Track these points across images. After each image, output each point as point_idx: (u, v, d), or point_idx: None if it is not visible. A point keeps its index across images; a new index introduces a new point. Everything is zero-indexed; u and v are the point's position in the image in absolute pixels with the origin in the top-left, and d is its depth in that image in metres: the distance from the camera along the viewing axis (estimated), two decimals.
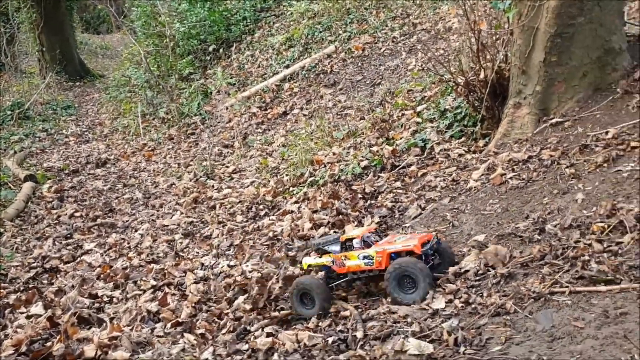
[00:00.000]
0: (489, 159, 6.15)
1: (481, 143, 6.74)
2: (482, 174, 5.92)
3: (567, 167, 5.23)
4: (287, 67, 11.66)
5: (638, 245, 3.65)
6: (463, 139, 7.00)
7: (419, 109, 8.23)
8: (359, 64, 11.02)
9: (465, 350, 3.11)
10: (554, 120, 5.99)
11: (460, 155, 6.68)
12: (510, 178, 5.55)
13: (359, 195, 6.55)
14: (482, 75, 6.67)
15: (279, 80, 11.42)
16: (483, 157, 6.30)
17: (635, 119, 5.37)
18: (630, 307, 3.06)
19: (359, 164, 7.29)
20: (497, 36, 6.76)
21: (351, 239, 4.42)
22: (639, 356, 2.59)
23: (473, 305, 3.66)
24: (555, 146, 5.67)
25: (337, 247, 4.47)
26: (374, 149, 7.61)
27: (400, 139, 7.65)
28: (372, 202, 6.40)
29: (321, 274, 4.70)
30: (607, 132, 5.39)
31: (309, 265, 4.64)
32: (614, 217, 4.06)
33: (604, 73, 5.94)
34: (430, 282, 3.93)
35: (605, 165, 5.00)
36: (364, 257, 4.26)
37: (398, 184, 6.62)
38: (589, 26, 5.74)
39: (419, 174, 6.64)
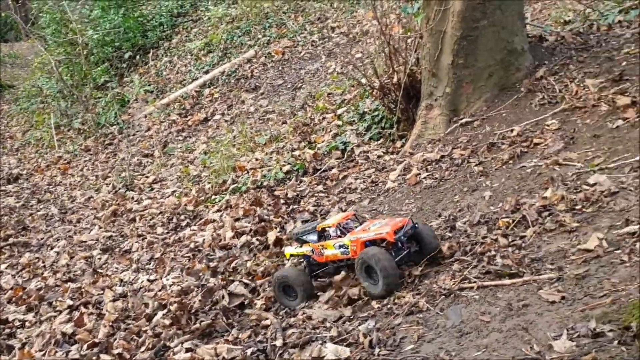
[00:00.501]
0: (405, 159, 6.31)
1: (399, 144, 6.90)
2: (399, 175, 6.07)
3: (476, 165, 5.45)
4: (207, 72, 11.50)
5: (539, 239, 3.86)
6: (381, 140, 7.15)
7: (339, 112, 8.33)
8: (280, 68, 11.02)
9: (380, 351, 3.18)
10: (463, 120, 6.23)
11: (379, 156, 6.81)
12: (425, 178, 5.73)
13: (282, 201, 6.55)
14: (395, 79, 6.84)
15: (199, 86, 11.24)
16: (400, 158, 6.46)
17: (538, 117, 5.67)
18: (531, 298, 3.23)
19: (281, 169, 7.29)
20: (409, 40, 6.95)
21: (328, 228, 4.31)
22: (537, 346, 2.73)
23: (389, 306, 3.73)
24: (466, 145, 5.90)
25: (314, 237, 4.40)
26: (296, 153, 7.63)
27: (322, 142, 7.72)
28: (295, 207, 6.41)
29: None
30: (512, 130, 5.66)
31: (291, 255, 4.60)
32: (517, 212, 4.27)
33: (509, 73, 6.23)
34: (391, 273, 3.75)
35: (511, 162, 5.25)
36: (340, 247, 4.15)
37: (320, 187, 6.67)
38: (492, 29, 6.01)
39: (340, 176, 6.72)
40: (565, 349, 2.59)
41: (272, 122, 9.30)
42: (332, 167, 6.96)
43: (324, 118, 8.49)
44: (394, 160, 6.54)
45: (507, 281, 3.41)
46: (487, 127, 6.00)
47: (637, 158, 4.32)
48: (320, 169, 7.03)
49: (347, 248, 4.10)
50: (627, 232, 3.42)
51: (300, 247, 4.50)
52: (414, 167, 6.01)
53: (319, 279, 4.58)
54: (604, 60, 6.00)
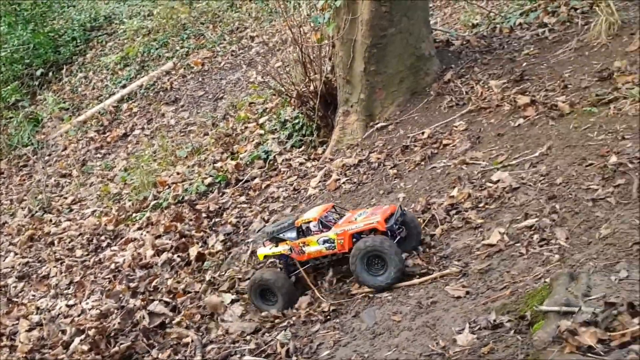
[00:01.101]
0: (325, 165, 6.40)
1: (320, 150, 6.99)
2: (320, 181, 6.15)
3: (391, 168, 5.60)
4: (124, 86, 11.22)
5: (447, 236, 4.02)
6: (303, 147, 7.21)
7: (261, 121, 8.34)
8: (200, 79, 10.90)
9: (297, 359, 3.21)
10: (379, 125, 6.39)
11: (301, 164, 6.87)
12: (344, 182, 5.83)
13: (204, 215, 6.48)
14: (312, 87, 6.93)
15: (117, 101, 10.94)
16: (320, 164, 6.55)
17: (447, 118, 5.90)
18: (439, 295, 3.36)
19: (203, 182, 7.21)
20: (323, 49, 7.06)
21: (308, 223, 4.06)
22: (443, 341, 2.84)
23: (307, 312, 3.77)
24: (381, 149, 6.06)
25: (293, 234, 4.11)
26: (219, 164, 7.57)
27: (245, 152, 7.69)
28: (217, 220, 6.36)
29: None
30: (423, 133, 5.86)
31: (265, 257, 4.31)
32: (428, 212, 4.43)
33: (418, 78, 6.45)
34: (400, 260, 3.63)
35: (423, 163, 5.44)
36: (325, 241, 3.91)
37: (243, 198, 6.65)
38: (400, 36, 6.20)
39: (263, 186, 6.72)
40: (467, 342, 2.71)
41: (193, 135, 9.18)
42: (255, 177, 6.96)
43: (246, 128, 8.47)
44: (315, 166, 6.62)
45: (416, 280, 3.52)
46: (401, 131, 6.19)
47: (537, 154, 4.57)
48: (243, 179, 7.00)
49: (334, 242, 3.88)
50: (525, 225, 3.62)
51: (276, 246, 4.19)
52: (333, 172, 6.10)
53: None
54: (507, 62, 6.32)
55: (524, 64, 6.12)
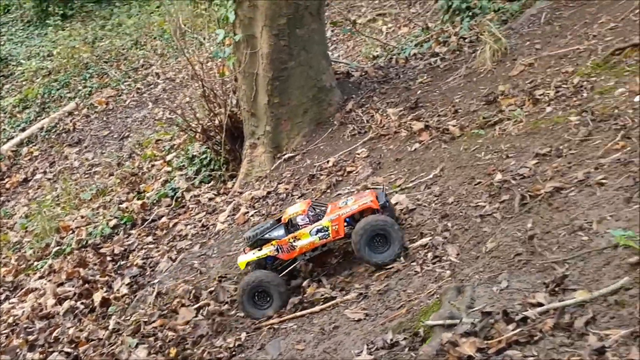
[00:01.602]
0: (234, 199, 6.36)
1: (230, 184, 6.95)
2: (229, 215, 6.09)
3: (298, 197, 5.66)
4: (24, 130, 10.71)
5: (349, 259, 4.09)
6: (212, 182, 7.14)
7: (168, 157, 8.21)
8: (105, 119, 10.61)
9: None
10: (286, 156, 6.46)
11: (210, 199, 6.79)
12: (252, 215, 5.81)
13: (109, 258, 6.23)
14: (217, 121, 6.92)
15: (16, 145, 10.41)
16: (229, 199, 6.50)
17: (351, 146, 6.06)
18: (341, 320, 3.40)
19: (108, 224, 6.96)
20: (228, 83, 7.10)
21: (295, 217, 3.99)
22: None
23: (215, 344, 3.70)
24: (289, 179, 6.11)
25: (280, 232, 4.02)
26: (124, 205, 7.35)
27: (152, 191, 7.52)
28: (123, 262, 6.14)
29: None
30: (328, 162, 5.97)
31: (247, 264, 4.12)
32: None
33: (322, 109, 6.61)
34: (403, 236, 3.75)
35: (328, 191, 5.53)
36: (318, 231, 3.86)
37: (149, 238, 6.47)
38: (300, 69, 6.35)
39: (171, 224, 6.57)
40: None
41: (98, 176, 8.87)
42: (162, 216, 6.80)
43: (153, 166, 8.30)
44: (224, 201, 6.57)
45: (317, 308, 3.55)
46: (308, 160, 6.28)
47: (431, 176, 4.77)
48: (149, 219, 6.82)
49: (328, 230, 3.85)
50: (420, 244, 3.76)
51: (260, 250, 4.05)
52: (242, 206, 6.08)
53: None
54: (403, 90, 6.61)
55: (419, 91, 6.43)
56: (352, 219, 3.88)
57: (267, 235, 4.04)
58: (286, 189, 5.97)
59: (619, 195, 3.16)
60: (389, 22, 10.48)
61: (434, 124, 5.54)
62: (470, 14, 7.75)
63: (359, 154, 5.84)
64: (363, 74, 7.20)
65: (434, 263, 3.51)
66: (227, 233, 5.81)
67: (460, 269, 3.30)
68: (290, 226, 4.00)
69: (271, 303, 3.88)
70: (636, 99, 4.20)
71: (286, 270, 4.04)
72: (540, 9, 6.83)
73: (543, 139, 4.36)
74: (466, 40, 7.13)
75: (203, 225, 6.24)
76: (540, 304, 2.36)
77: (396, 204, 4.55)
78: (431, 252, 3.63)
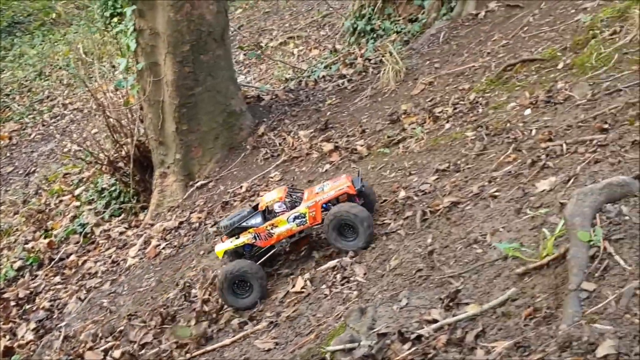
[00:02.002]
0: (145, 232, 6.16)
1: (142, 216, 6.72)
2: (139, 249, 5.89)
3: (211, 226, 5.54)
4: None
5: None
6: (123, 215, 6.90)
7: (77, 192, 7.85)
8: (8, 154, 10.04)
9: None
10: (199, 183, 6.34)
11: (120, 233, 6.54)
12: (164, 248, 5.64)
13: (12, 303, 5.85)
14: (124, 152, 6.71)
15: None
16: (140, 232, 6.29)
17: (264, 170, 6.02)
18: (252, 351, 3.33)
19: (12, 267, 6.55)
20: (134, 112, 6.91)
21: (272, 204, 3.97)
22: None
23: None
24: (202, 208, 5.99)
25: (258, 219, 3.99)
26: (30, 245, 6.94)
27: (60, 228, 7.15)
28: (29, 306, 5.78)
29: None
30: (241, 187, 5.91)
31: (225, 252, 4.05)
32: None
33: (233, 133, 6.56)
34: (369, 225, 3.70)
35: None
36: (295, 218, 3.86)
37: (57, 278, 6.14)
38: (208, 94, 6.28)
39: (79, 262, 6.27)
40: None
41: (2, 215, 8.34)
42: (71, 254, 6.47)
43: (61, 201, 7.92)
44: (135, 234, 6.34)
45: (228, 340, 3.47)
46: (221, 187, 6.19)
47: None
48: (57, 258, 6.48)
49: (305, 217, 3.85)
50: (328, 266, 3.76)
51: (237, 238, 4.02)
52: (154, 238, 5.89)
53: None
54: (313, 112, 6.68)
55: (328, 113, 6.52)
56: (329, 204, 3.91)
57: (244, 224, 4.00)
58: (199, 217, 5.84)
59: (510, 207, 3.29)
60: (299, 45, 10.62)
61: (343, 145, 5.61)
62: (374, 35, 7.99)
63: (272, 178, 5.82)
64: (274, 97, 7.22)
65: (342, 284, 3.51)
66: (138, 268, 5.60)
67: (367, 289, 3.33)
68: (267, 213, 4.01)
69: (251, 293, 3.85)
70: (526, 112, 4.44)
71: (264, 258, 4.03)
72: (439, 28, 7.13)
73: (442, 155, 4.50)
74: (371, 62, 7.32)
75: (113, 262, 6.00)
76: (435, 321, 2.41)
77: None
78: (340, 274, 3.63)
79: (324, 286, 3.63)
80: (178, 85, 6.10)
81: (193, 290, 4.53)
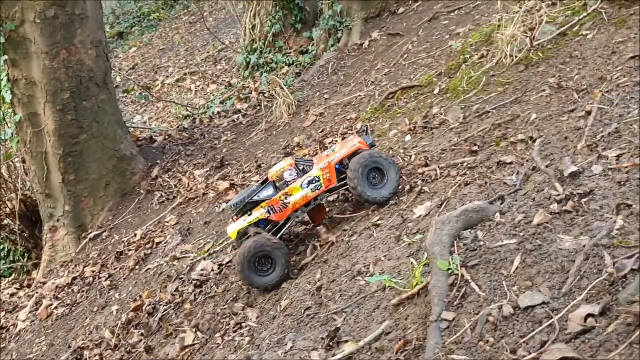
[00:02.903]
0: (36, 291, 5.78)
1: (35, 274, 6.31)
2: (30, 311, 5.50)
3: (106, 279, 5.28)
4: None
5: (160, 345, 3.86)
6: (14, 275, 6.45)
7: None
8: None
9: None
10: (92, 234, 6.05)
11: (11, 295, 6.10)
12: (56, 307, 5.30)
13: None
14: (9, 208, 6.30)
15: None
16: (31, 292, 5.89)
17: (159, 215, 5.84)
18: None
19: None
20: (17, 166, 6.53)
21: (282, 173, 3.78)
22: None
23: None
24: (96, 260, 5.71)
25: (270, 191, 3.75)
26: None
27: None
28: None
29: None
30: (136, 235, 5.69)
31: (239, 232, 3.75)
32: (136, 319, 4.23)
33: (125, 179, 6.33)
34: (397, 170, 3.65)
35: (137, 267, 5.24)
36: (310, 182, 3.66)
37: None
38: (94, 141, 6.04)
39: None
40: None
41: None
42: None
43: None
44: (26, 295, 5.93)
45: None
46: (116, 236, 5.94)
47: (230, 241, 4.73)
48: None
49: (319, 180, 3.67)
50: (222, 314, 3.66)
51: (250, 215, 3.73)
52: (45, 297, 5.53)
53: None
54: (208, 150, 6.59)
55: (224, 149, 6.45)
56: (342, 166, 3.75)
57: (255, 198, 3.74)
58: (93, 271, 5.56)
59: (390, 235, 3.36)
60: (196, 80, 10.52)
61: (239, 182, 5.56)
62: (267, 68, 8.05)
63: (167, 222, 5.65)
64: (167, 137, 7.07)
65: (234, 331, 3.43)
66: (29, 332, 5.23)
67: (259, 333, 3.26)
68: (279, 183, 3.83)
69: (274, 269, 3.60)
70: (407, 138, 4.59)
71: (280, 233, 3.79)
72: (328, 59, 7.30)
73: None
74: (265, 95, 7.35)
75: (2, 327, 5.56)
76: None
77: (202, 270, 4.44)
78: (233, 320, 3.55)
79: (217, 334, 3.53)
80: (61, 134, 5.82)
81: (85, 352, 4.28)
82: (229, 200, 5.23)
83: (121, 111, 6.90)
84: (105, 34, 6.25)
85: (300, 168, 3.81)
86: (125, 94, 10.13)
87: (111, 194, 6.24)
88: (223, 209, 5.11)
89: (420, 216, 3.33)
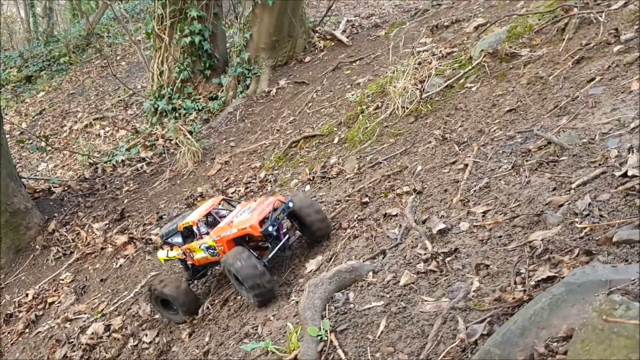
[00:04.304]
0: None
1: None
2: None
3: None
4: None
5: None
6: None
7: None
8: None
9: None
10: None
11: None
12: None
13: None
14: None
15: None
16: None
17: (55, 272, 5.52)
18: None
19: None
20: None
21: (189, 226, 3.59)
22: None
23: None
24: None
25: (178, 239, 3.70)
26: None
27: None
28: None
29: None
30: (27, 295, 5.34)
31: (166, 260, 3.88)
32: None
33: (19, 234, 5.97)
34: (258, 284, 3.05)
35: (27, 331, 4.90)
36: (207, 249, 3.44)
37: None
38: None
39: None
40: None
41: None
42: None
43: None
44: None
45: None
46: (7, 296, 5.55)
47: (132, 295, 4.53)
48: None
49: (215, 250, 3.41)
50: None
51: (171, 249, 3.76)
52: None
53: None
54: (109, 201, 6.34)
55: (125, 200, 6.24)
56: (244, 240, 3.44)
57: (169, 240, 3.77)
58: None
59: (282, 292, 3.31)
60: (106, 126, 10.22)
61: (139, 235, 5.37)
62: (176, 115, 7.93)
63: (63, 280, 5.35)
64: (66, 188, 6.76)
65: None
66: None
67: None
68: (189, 234, 3.67)
69: (177, 311, 3.68)
70: (307, 188, 4.60)
71: (199, 273, 3.79)
72: (236, 106, 7.29)
73: None
74: (172, 142, 7.22)
75: None
76: None
77: (92, 334, 4.20)
78: None
79: None
80: None
81: None
82: (128, 253, 5.10)
83: (18, 159, 6.55)
84: None
85: (217, 216, 3.69)
86: (21, 144, 9.67)
87: (4, 251, 5.87)
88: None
89: (310, 271, 3.31)
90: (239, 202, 3.87)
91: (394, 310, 2.13)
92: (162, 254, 3.90)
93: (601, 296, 1.38)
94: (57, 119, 11.44)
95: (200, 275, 3.84)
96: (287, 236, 3.41)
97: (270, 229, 3.19)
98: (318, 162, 4.90)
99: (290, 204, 3.33)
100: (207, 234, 3.52)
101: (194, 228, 3.59)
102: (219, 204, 3.81)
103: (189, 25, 7.68)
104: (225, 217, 3.65)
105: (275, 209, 3.30)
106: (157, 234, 4.16)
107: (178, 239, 3.75)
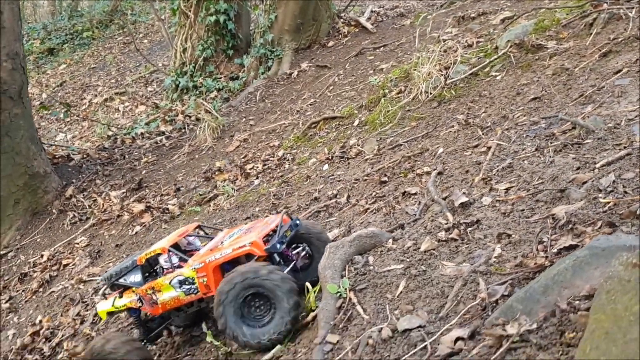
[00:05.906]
0: None
1: None
2: None
3: (6, 302, 4.99)
4: None
5: None
6: None
7: None
8: None
9: None
10: None
11: None
12: None
13: None
14: None
15: None
16: None
17: (70, 236, 5.60)
18: None
19: None
20: None
21: (155, 257, 2.73)
22: None
23: None
24: None
25: (138, 277, 2.76)
26: None
27: None
28: None
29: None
30: (42, 256, 5.43)
31: (109, 314, 2.86)
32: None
33: (37, 197, 6.06)
34: (294, 301, 2.29)
35: (41, 290, 4.99)
36: (181, 283, 2.55)
37: None
38: (5, 156, 5.77)
39: None
40: None
41: None
42: None
43: None
44: None
45: None
46: (22, 257, 5.64)
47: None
48: None
49: (194, 283, 2.54)
50: None
51: (120, 297, 2.84)
52: None
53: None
54: (127, 171, 6.42)
55: (144, 171, 6.31)
56: (235, 264, 2.53)
57: (122, 281, 2.84)
58: None
59: None
60: (125, 101, 10.30)
61: (155, 205, 5.43)
62: (197, 92, 7.99)
63: (78, 244, 5.43)
64: (85, 156, 6.84)
65: None
66: None
67: None
68: (152, 270, 2.85)
69: None
70: (324, 167, 4.64)
71: (154, 332, 2.90)
72: (257, 86, 7.34)
73: (249, 211, 4.53)
74: (192, 118, 7.28)
75: None
76: None
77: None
78: None
79: None
80: None
81: None
82: (144, 221, 5.14)
83: (37, 127, 6.65)
84: (23, 47, 6.03)
85: (194, 245, 2.96)
86: (44, 111, 9.77)
87: (21, 213, 5.96)
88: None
89: None
90: (221, 230, 3.15)
91: (414, 272, 2.17)
92: (104, 306, 2.96)
93: (627, 253, 1.41)
94: (77, 92, 11.54)
95: (153, 336, 2.97)
96: (294, 260, 2.63)
97: (278, 246, 2.48)
98: (337, 143, 4.94)
99: (298, 222, 2.69)
100: (180, 267, 2.72)
101: (162, 259, 2.79)
102: (195, 230, 3.02)
103: (215, 4, 7.73)
104: (198, 249, 2.90)
105: (278, 227, 2.61)
106: (100, 280, 3.22)
107: (136, 278, 2.85)
